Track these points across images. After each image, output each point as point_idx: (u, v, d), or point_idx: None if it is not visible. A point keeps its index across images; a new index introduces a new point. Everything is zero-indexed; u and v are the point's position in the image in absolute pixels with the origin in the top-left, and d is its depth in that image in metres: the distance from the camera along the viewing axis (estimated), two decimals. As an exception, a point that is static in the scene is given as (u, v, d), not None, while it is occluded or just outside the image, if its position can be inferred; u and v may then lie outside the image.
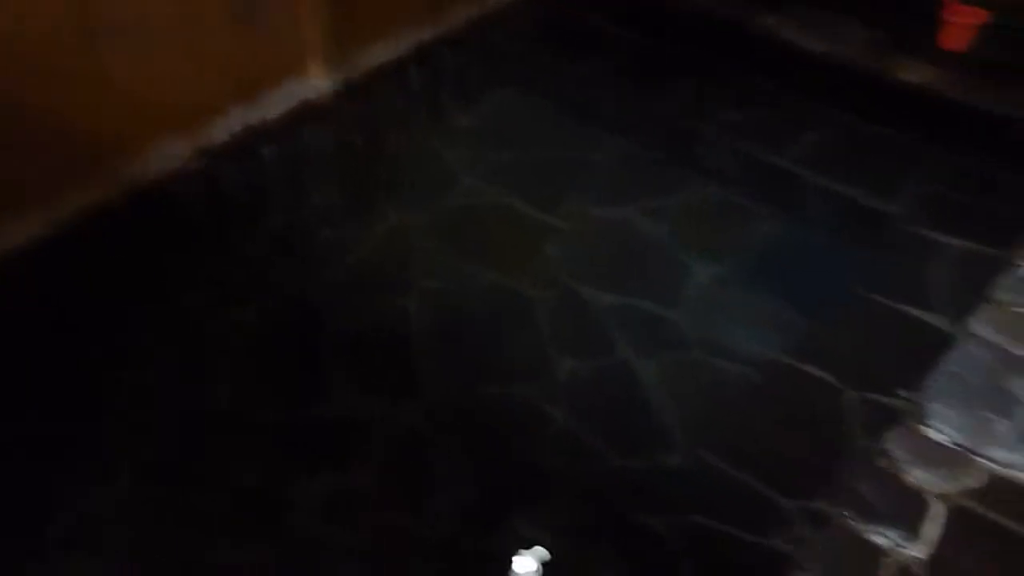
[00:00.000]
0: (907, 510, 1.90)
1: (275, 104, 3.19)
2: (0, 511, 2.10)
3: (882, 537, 1.85)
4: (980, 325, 2.35)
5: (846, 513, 1.91)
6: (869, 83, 3.40)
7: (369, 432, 2.31)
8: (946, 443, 2.04)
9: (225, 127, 3.06)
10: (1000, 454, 2.02)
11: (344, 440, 2.30)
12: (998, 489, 1.95)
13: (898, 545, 1.83)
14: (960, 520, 1.89)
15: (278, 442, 2.30)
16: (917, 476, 1.97)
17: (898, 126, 3.26)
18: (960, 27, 3.37)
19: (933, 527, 1.87)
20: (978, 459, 2.01)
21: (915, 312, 2.53)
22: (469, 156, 3.21)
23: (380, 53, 3.52)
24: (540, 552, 1.97)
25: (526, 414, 2.36)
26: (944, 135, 3.17)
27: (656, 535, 2.06)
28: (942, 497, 1.93)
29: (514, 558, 1.98)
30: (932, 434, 2.06)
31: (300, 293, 2.69)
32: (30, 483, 2.20)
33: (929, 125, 3.21)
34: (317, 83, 3.31)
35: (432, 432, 2.32)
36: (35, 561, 2.00)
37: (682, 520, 2.08)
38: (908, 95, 3.30)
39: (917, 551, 1.82)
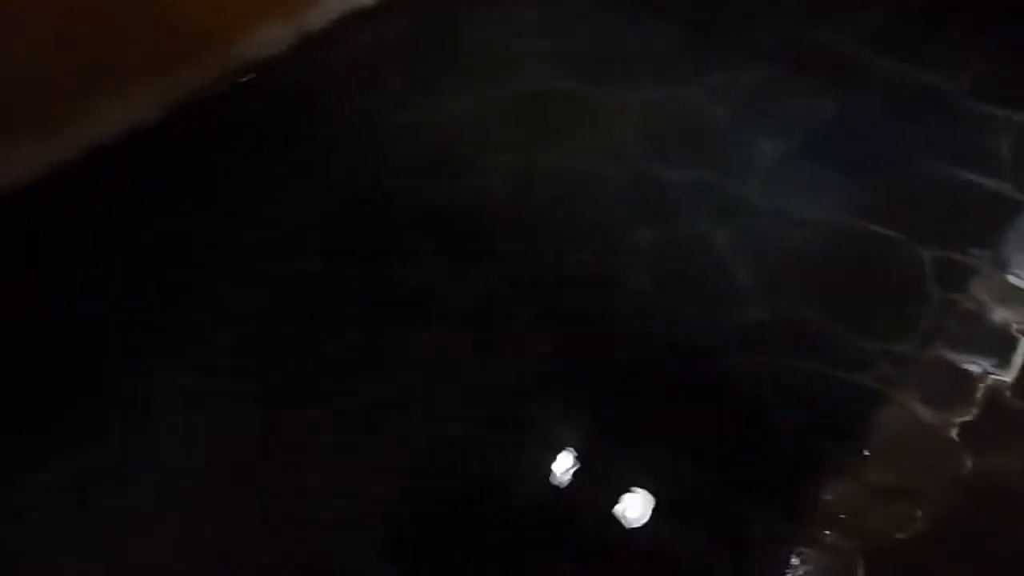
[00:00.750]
0: (995, 343, 1.98)
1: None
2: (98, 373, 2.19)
3: (974, 365, 1.93)
4: (1048, 189, 2.41)
5: (938, 346, 1.99)
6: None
7: (450, 296, 2.37)
8: (1026, 287, 2.11)
9: (323, 14, 3.16)
10: (1077, 297, 2.10)
11: (427, 303, 2.36)
12: (1077, 326, 2.03)
13: (989, 372, 1.91)
14: (1043, 352, 1.97)
15: (364, 306, 2.36)
16: (1002, 315, 2.04)
17: (957, 6, 3.27)
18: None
19: (1020, 357, 1.95)
20: (1057, 301, 2.08)
21: (983, 180, 2.60)
22: (532, 43, 3.24)
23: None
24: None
25: (604, 280, 2.43)
26: (1005, 14, 3.19)
27: (746, 379, 2.13)
28: (1026, 332, 2.01)
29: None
30: (1012, 279, 2.13)
31: (378, 172, 2.74)
32: (129, 345, 2.27)
33: (989, 4, 3.23)
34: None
35: (511, 295, 2.38)
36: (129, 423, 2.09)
37: (770, 363, 2.16)
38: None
39: (1008, 376, 1.91)
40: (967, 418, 1.85)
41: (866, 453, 1.83)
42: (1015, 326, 2.02)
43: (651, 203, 2.65)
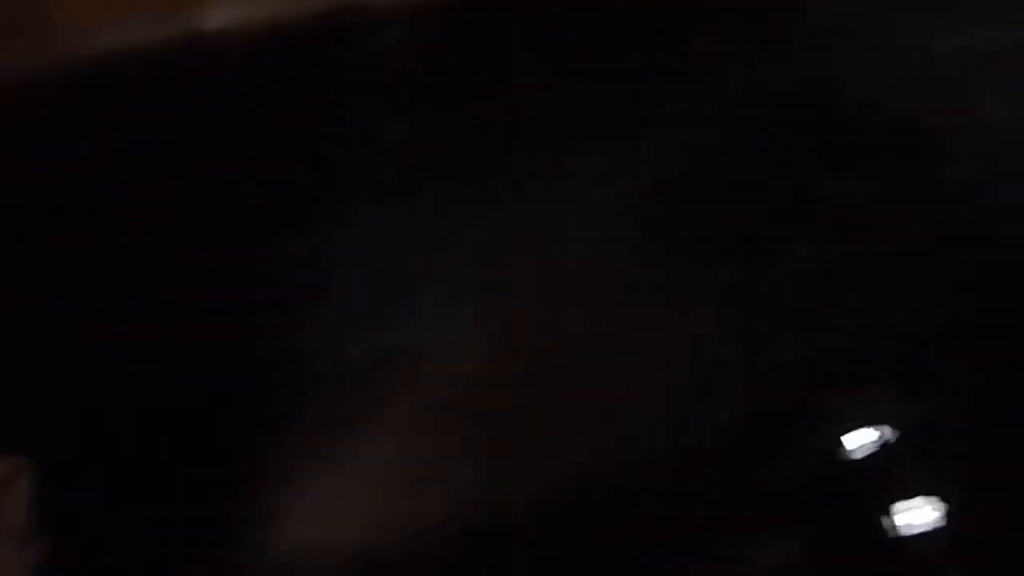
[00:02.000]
0: None
1: None
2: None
3: None
4: None
5: None
6: None
7: (872, 219, 2.31)
8: None
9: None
10: None
11: (852, 221, 2.32)
12: None
13: None
14: None
15: (767, 198, 2.39)
16: None
17: None
18: None
19: None
20: None
21: None
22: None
23: None
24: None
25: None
26: None
27: None
28: None
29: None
30: None
31: (836, 80, 2.73)
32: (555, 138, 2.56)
33: None
34: None
35: (939, 239, 2.25)
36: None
37: None
38: None
39: None
40: None
41: None
42: None
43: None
